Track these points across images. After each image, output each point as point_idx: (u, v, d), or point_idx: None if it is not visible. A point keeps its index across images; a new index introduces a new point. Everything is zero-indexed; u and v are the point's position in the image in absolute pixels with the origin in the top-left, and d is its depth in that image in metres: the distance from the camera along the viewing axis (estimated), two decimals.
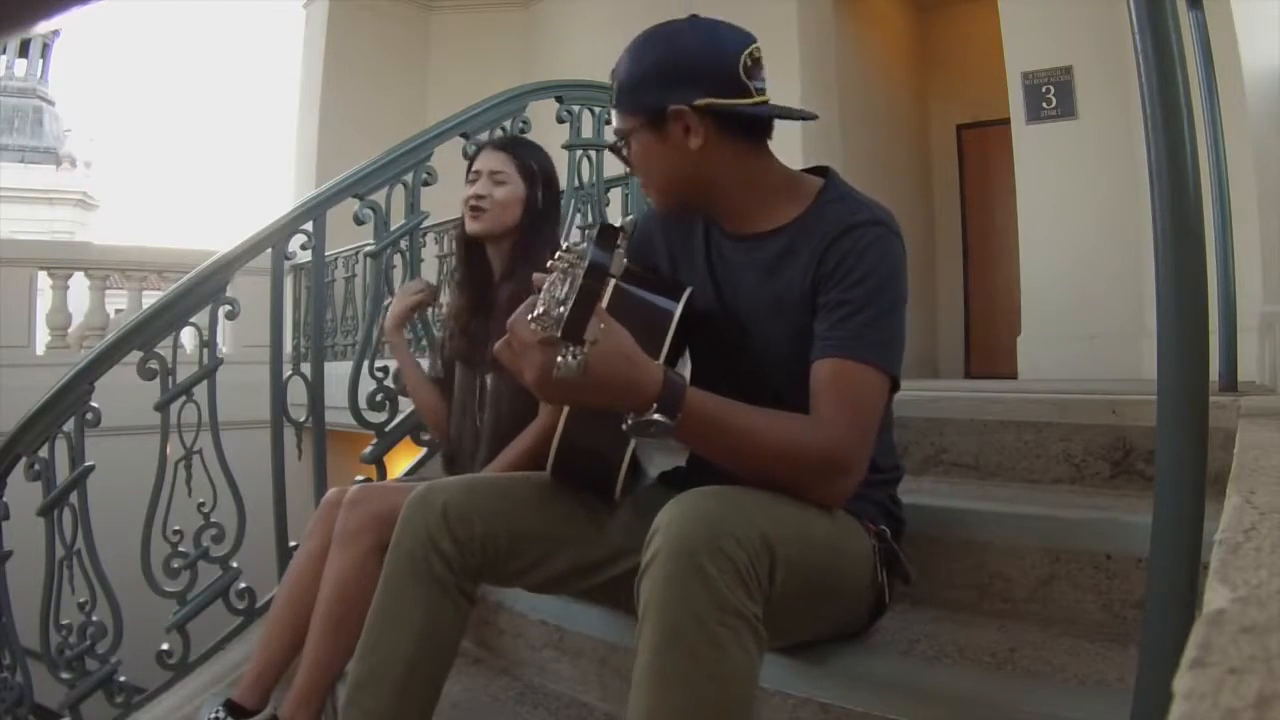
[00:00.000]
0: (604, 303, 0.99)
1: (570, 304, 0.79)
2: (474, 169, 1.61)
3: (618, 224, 0.85)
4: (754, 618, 0.82)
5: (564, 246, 0.83)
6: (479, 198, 1.56)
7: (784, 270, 1.07)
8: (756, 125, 1.07)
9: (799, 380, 1.00)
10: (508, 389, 1.57)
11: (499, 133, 2.23)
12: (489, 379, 1.62)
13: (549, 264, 0.83)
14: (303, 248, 2.06)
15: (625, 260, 0.84)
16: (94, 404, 1.90)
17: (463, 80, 5.57)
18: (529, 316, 0.83)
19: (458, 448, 1.66)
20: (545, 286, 0.83)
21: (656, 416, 0.87)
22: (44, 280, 5.21)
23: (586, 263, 0.79)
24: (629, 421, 0.89)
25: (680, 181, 1.07)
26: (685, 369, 1.15)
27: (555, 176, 1.65)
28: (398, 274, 2.17)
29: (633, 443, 0.99)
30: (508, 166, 1.58)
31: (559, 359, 0.81)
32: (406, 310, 1.74)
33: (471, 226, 1.57)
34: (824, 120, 4.64)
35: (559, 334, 0.79)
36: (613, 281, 1.02)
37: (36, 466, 1.91)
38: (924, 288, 5.72)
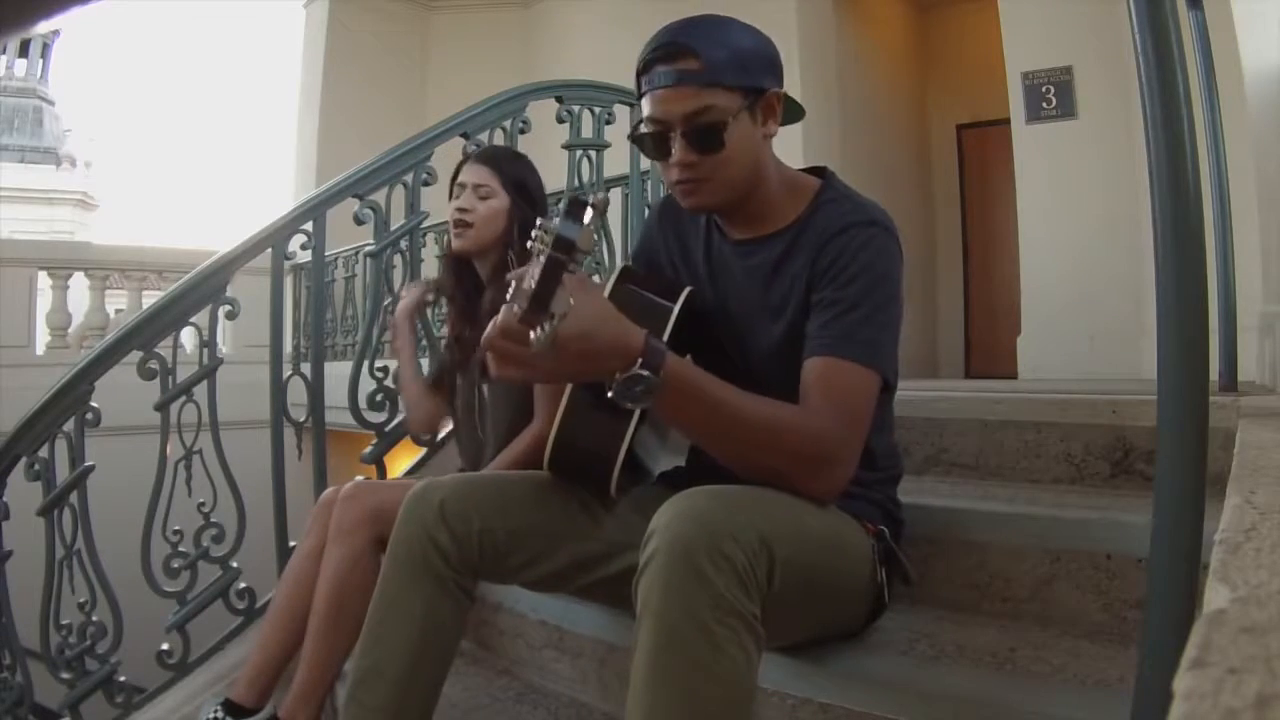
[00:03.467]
0: (608, 286, 0.98)
1: (537, 278, 0.78)
2: (458, 181, 1.60)
3: (587, 199, 0.84)
4: (752, 618, 0.82)
5: (539, 224, 0.83)
6: (463, 211, 1.55)
7: (782, 276, 1.07)
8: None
9: (795, 383, 1.01)
10: (503, 394, 1.57)
11: (499, 133, 2.23)
12: (485, 388, 1.62)
13: (529, 244, 0.83)
14: (303, 248, 2.06)
15: (596, 237, 0.84)
16: (94, 404, 1.89)
17: (463, 80, 5.57)
18: (506, 298, 0.83)
19: (469, 461, 1.67)
20: (528, 267, 0.83)
21: (641, 371, 0.87)
22: (44, 280, 5.20)
23: (552, 236, 0.79)
24: (614, 384, 0.88)
25: (751, 172, 1.05)
26: None
27: (540, 187, 1.63)
28: (398, 274, 2.17)
29: (629, 437, 0.99)
30: (492, 180, 1.56)
31: (532, 335, 0.80)
32: (418, 300, 1.76)
33: (458, 244, 1.57)
34: (824, 120, 4.64)
35: (527, 308, 0.79)
36: (610, 282, 1.03)
37: (36, 467, 1.91)
38: (924, 288, 5.72)
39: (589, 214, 0.81)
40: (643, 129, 1.04)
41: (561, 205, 0.83)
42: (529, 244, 0.82)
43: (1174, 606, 0.64)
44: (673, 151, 1.02)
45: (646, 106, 1.03)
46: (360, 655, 1.06)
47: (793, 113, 1.12)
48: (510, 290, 0.81)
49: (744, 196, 1.07)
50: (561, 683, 1.45)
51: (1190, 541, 0.65)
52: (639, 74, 1.04)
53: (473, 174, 1.57)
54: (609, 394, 0.89)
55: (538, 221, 0.82)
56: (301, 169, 6.42)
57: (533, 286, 0.78)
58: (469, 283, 1.62)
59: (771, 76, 1.04)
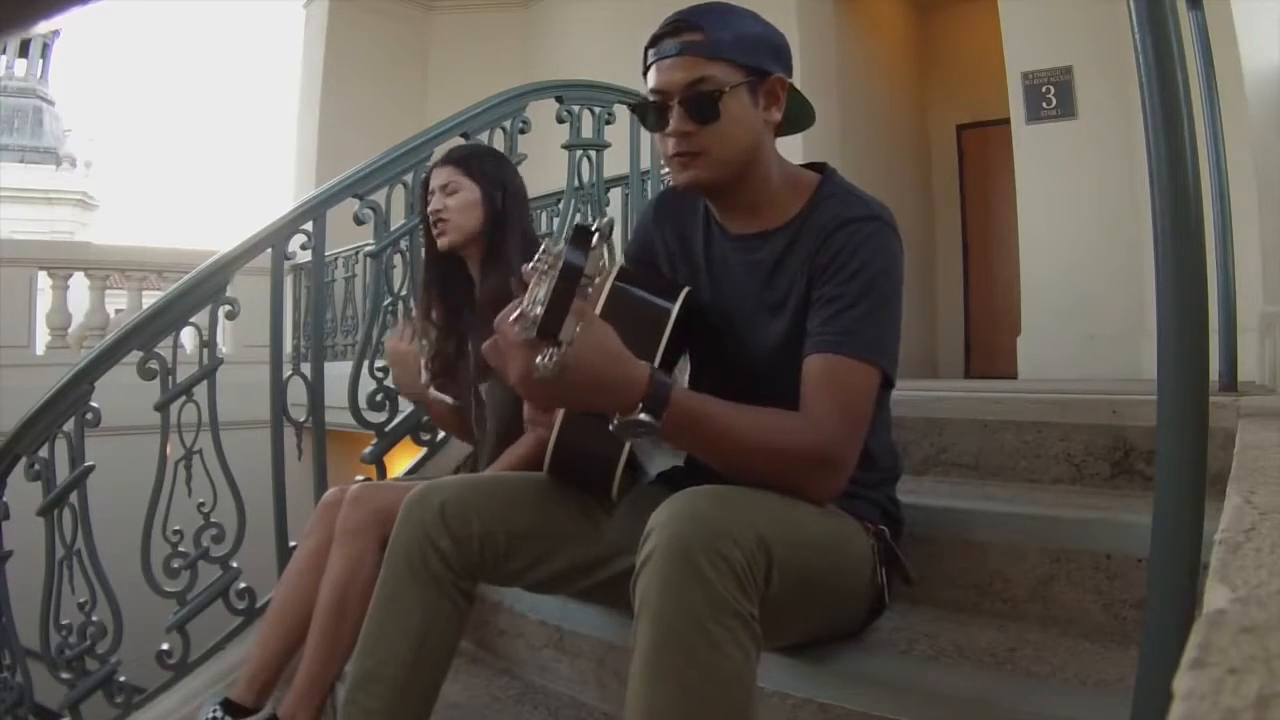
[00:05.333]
0: (598, 306, 0.98)
1: (544, 305, 0.78)
2: (430, 190, 1.64)
3: (593, 225, 0.84)
4: (750, 617, 0.82)
5: (543, 247, 0.83)
6: (436, 212, 1.60)
7: (782, 272, 1.07)
8: (782, 120, 1.10)
9: (796, 380, 1.00)
10: (503, 395, 1.57)
11: (500, 133, 2.24)
12: (483, 389, 1.62)
13: (532, 264, 0.83)
14: (303, 248, 2.06)
15: (604, 261, 0.83)
16: (94, 404, 1.89)
17: (463, 80, 5.57)
18: (511, 317, 0.83)
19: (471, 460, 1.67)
20: (529, 287, 0.83)
21: (642, 417, 0.87)
22: (44, 280, 5.21)
23: (560, 264, 0.79)
24: (615, 422, 0.89)
25: (747, 153, 1.05)
26: (684, 370, 1.15)
27: (511, 178, 1.66)
28: (397, 274, 2.17)
29: (628, 442, 0.99)
30: (455, 176, 1.61)
31: (538, 360, 0.81)
32: (406, 360, 1.70)
33: (442, 242, 1.60)
34: (824, 120, 4.62)
35: (534, 334, 0.79)
36: (609, 282, 1.02)
37: (36, 467, 1.91)
38: (924, 287, 5.72)
39: (595, 240, 0.81)
40: (646, 99, 1.06)
41: (567, 233, 0.83)
42: (533, 263, 0.82)
43: (1174, 606, 0.64)
44: (670, 121, 1.03)
45: (651, 78, 1.05)
46: (359, 656, 1.06)
47: (802, 117, 1.12)
48: (518, 311, 0.81)
49: (738, 179, 1.07)
50: (561, 683, 1.45)
51: (1190, 541, 0.65)
52: (647, 49, 1.06)
53: (438, 177, 1.63)
54: (610, 428, 0.89)
55: (543, 244, 0.82)
56: (301, 169, 6.42)
57: (540, 313, 0.78)
58: (458, 282, 1.64)
59: (776, 62, 1.05)
